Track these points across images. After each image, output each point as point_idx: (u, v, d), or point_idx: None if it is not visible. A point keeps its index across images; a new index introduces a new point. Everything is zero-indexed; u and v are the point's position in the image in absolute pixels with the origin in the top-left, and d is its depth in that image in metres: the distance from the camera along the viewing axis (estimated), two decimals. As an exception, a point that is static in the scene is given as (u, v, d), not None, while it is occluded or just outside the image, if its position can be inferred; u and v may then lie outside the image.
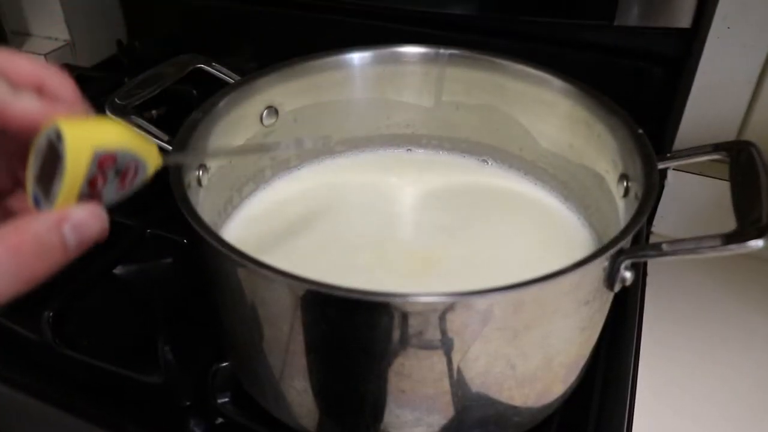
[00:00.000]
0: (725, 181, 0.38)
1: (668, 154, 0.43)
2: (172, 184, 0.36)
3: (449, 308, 0.31)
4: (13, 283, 0.25)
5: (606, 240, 0.36)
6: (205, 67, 0.50)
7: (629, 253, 0.34)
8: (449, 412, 0.36)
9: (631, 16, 0.57)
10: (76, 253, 0.27)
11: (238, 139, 0.48)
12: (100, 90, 0.77)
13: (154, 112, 0.73)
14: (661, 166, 0.40)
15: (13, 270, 0.25)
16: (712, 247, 0.32)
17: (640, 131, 0.41)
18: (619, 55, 0.61)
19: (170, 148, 0.40)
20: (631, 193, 0.41)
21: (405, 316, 0.31)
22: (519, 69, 0.49)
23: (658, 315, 0.52)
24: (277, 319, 0.34)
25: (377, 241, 0.47)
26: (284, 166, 0.54)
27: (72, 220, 0.26)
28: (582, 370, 0.42)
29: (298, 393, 0.37)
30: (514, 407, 0.38)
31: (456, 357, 0.33)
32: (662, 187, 0.59)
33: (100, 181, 0.27)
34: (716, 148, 0.41)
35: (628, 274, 0.34)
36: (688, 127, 0.57)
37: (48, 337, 0.46)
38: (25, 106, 0.28)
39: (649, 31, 0.58)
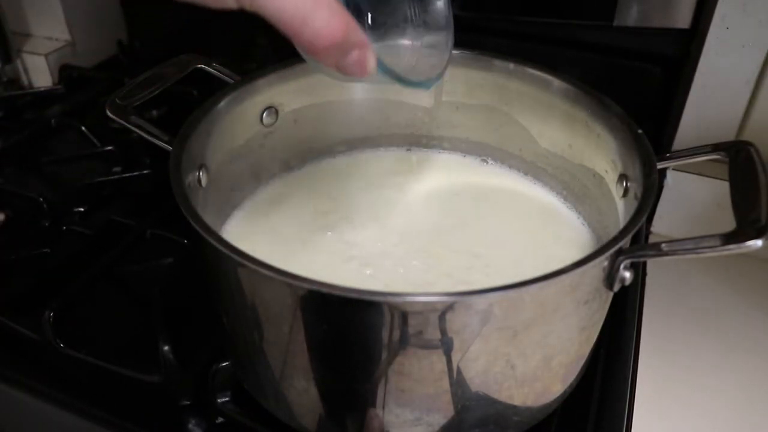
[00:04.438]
0: (724, 181, 0.38)
1: (667, 154, 0.43)
2: (172, 184, 0.36)
3: (449, 308, 0.31)
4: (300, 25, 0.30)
5: (605, 240, 0.36)
6: (205, 67, 0.50)
7: (628, 253, 0.34)
8: (449, 411, 0.36)
9: (630, 17, 0.57)
10: (330, 61, 0.30)
11: (238, 139, 0.48)
12: (100, 90, 0.78)
13: (154, 112, 0.73)
14: (660, 166, 0.40)
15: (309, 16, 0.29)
16: (711, 247, 0.32)
17: (640, 131, 0.41)
18: (618, 55, 0.62)
19: (170, 148, 0.40)
20: (631, 193, 0.41)
21: (404, 316, 0.31)
22: (519, 69, 0.49)
23: (658, 315, 0.52)
24: (277, 319, 0.34)
25: (377, 240, 0.47)
26: (284, 166, 0.54)
27: (364, 55, 0.30)
28: (581, 369, 0.42)
29: (298, 393, 0.38)
30: (514, 407, 0.38)
31: (456, 356, 0.33)
32: (661, 187, 0.59)
33: None
34: (715, 148, 0.41)
35: (627, 274, 0.34)
36: (687, 127, 0.57)
37: (48, 337, 0.46)
38: None
39: (649, 31, 0.58)
